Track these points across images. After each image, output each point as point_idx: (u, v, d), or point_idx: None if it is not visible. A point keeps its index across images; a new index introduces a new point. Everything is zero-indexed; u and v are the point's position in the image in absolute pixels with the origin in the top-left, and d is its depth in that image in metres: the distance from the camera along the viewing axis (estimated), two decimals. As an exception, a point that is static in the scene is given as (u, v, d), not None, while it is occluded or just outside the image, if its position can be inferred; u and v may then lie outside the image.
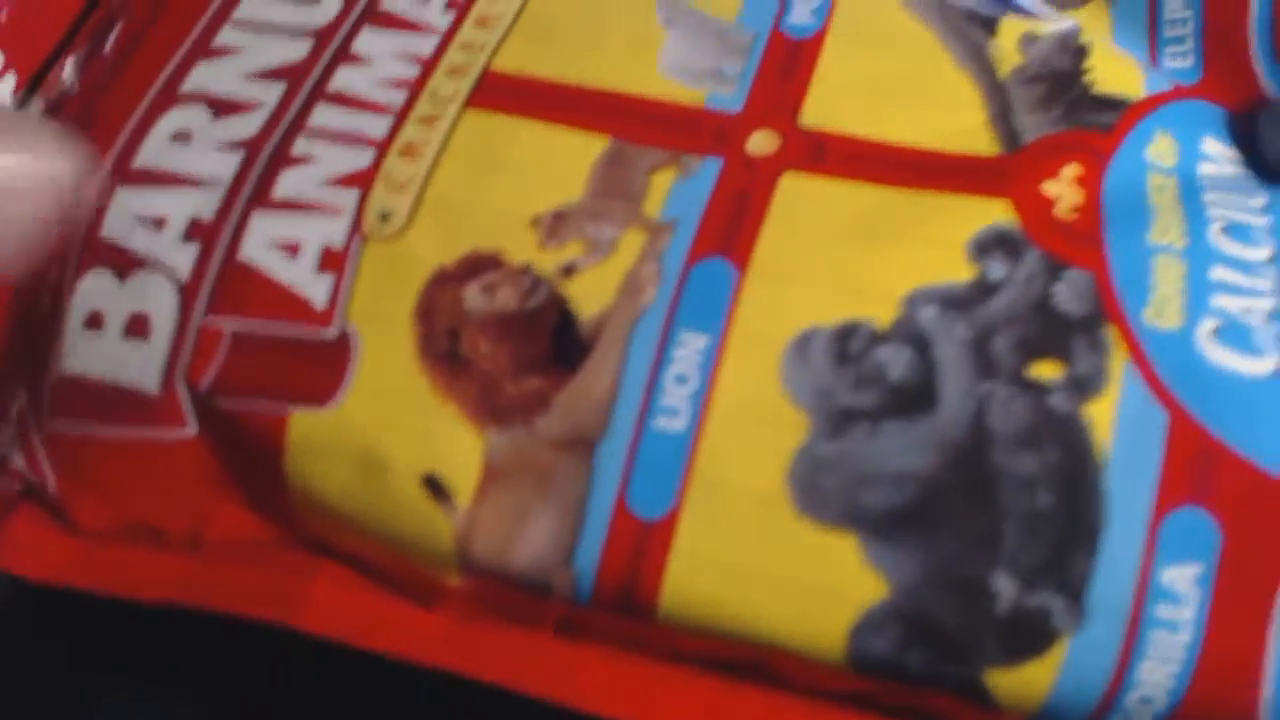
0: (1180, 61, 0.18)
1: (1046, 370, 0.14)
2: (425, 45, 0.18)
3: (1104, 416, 0.14)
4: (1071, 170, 0.15)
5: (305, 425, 0.15)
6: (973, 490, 0.14)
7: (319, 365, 0.15)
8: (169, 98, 0.18)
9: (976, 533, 0.13)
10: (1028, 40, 0.17)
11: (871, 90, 0.17)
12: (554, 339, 0.15)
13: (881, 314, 0.14)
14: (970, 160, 0.16)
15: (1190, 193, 0.16)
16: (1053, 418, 0.14)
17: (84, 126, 0.18)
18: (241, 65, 0.18)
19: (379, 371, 0.15)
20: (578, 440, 0.15)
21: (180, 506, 0.17)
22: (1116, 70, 0.17)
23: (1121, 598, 0.13)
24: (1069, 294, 0.14)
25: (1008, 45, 0.17)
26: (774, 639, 0.14)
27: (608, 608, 0.15)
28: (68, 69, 0.20)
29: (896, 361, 0.14)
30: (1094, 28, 0.19)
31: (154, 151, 0.17)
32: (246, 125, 0.17)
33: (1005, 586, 0.13)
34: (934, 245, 0.15)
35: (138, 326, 0.16)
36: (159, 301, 0.16)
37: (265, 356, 0.16)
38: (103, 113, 0.18)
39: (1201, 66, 0.18)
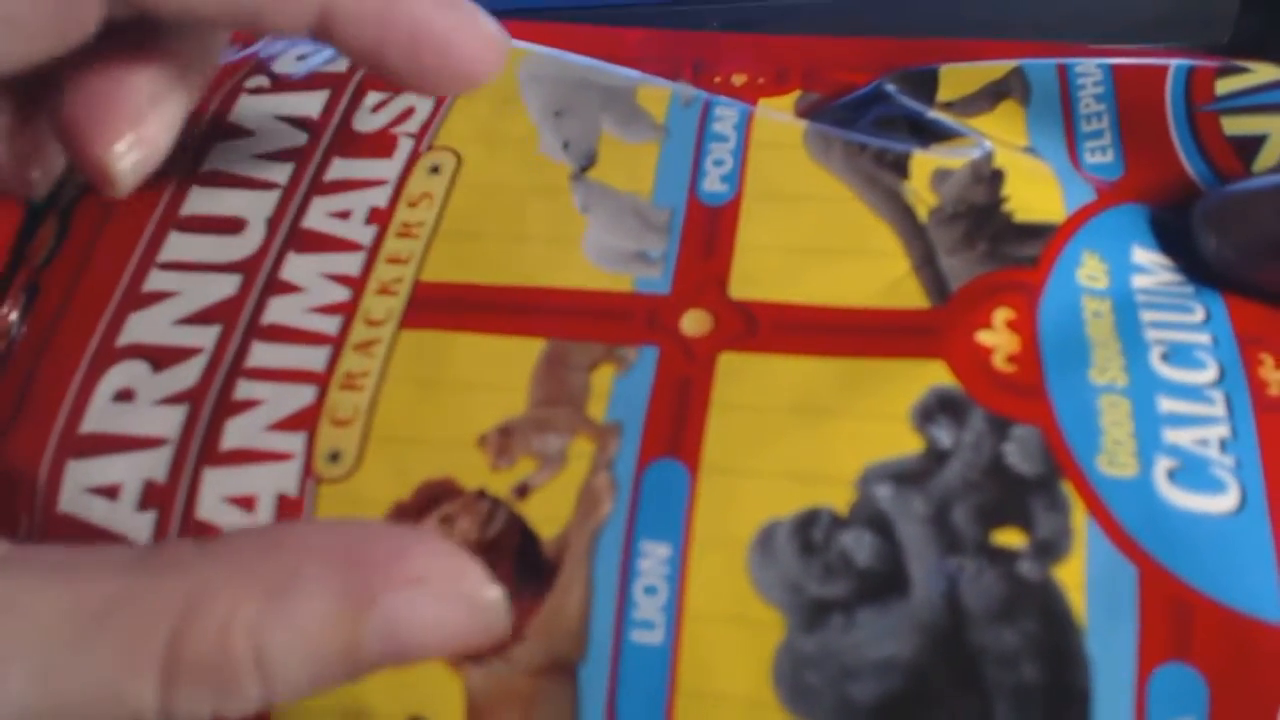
0: (1101, 157, 0.18)
1: (1010, 537, 0.14)
2: (352, 264, 0.18)
3: (1075, 579, 0.13)
4: (1003, 315, 0.15)
5: (285, 683, 0.15)
6: (957, 670, 0.13)
7: (290, 621, 0.15)
8: (107, 354, 0.18)
9: (968, 713, 0.13)
10: (940, 177, 0.17)
11: (794, 251, 0.17)
12: (517, 563, 0.15)
13: (838, 498, 0.14)
14: (901, 317, 0.16)
15: (1127, 315, 0.16)
16: (1024, 587, 0.14)
17: (26, 394, 0.18)
18: (174, 310, 0.18)
19: (350, 620, 0.15)
20: (557, 664, 0.14)
21: None
22: (1035, 194, 0.17)
23: (1122, 760, 0.13)
24: (1019, 454, 0.14)
25: (921, 187, 0.17)
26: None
27: (614, 828, 0.14)
28: (13, 319, 0.20)
29: (860, 547, 0.14)
30: (1008, 131, 0.19)
31: (99, 415, 0.17)
32: (186, 375, 0.17)
33: (1005, 765, 0.13)
34: (878, 418, 0.15)
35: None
36: (123, 571, 0.16)
37: (235, 618, 0.16)
38: (44, 379, 0.18)
39: (1123, 161, 0.18)
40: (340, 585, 0.12)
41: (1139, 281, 0.16)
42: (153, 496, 0.16)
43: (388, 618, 0.12)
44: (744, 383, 0.16)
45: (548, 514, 0.15)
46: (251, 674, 0.12)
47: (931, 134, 0.18)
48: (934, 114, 0.19)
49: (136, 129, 0.16)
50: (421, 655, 0.13)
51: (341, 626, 0.12)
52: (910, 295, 0.16)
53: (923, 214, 0.17)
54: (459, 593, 0.13)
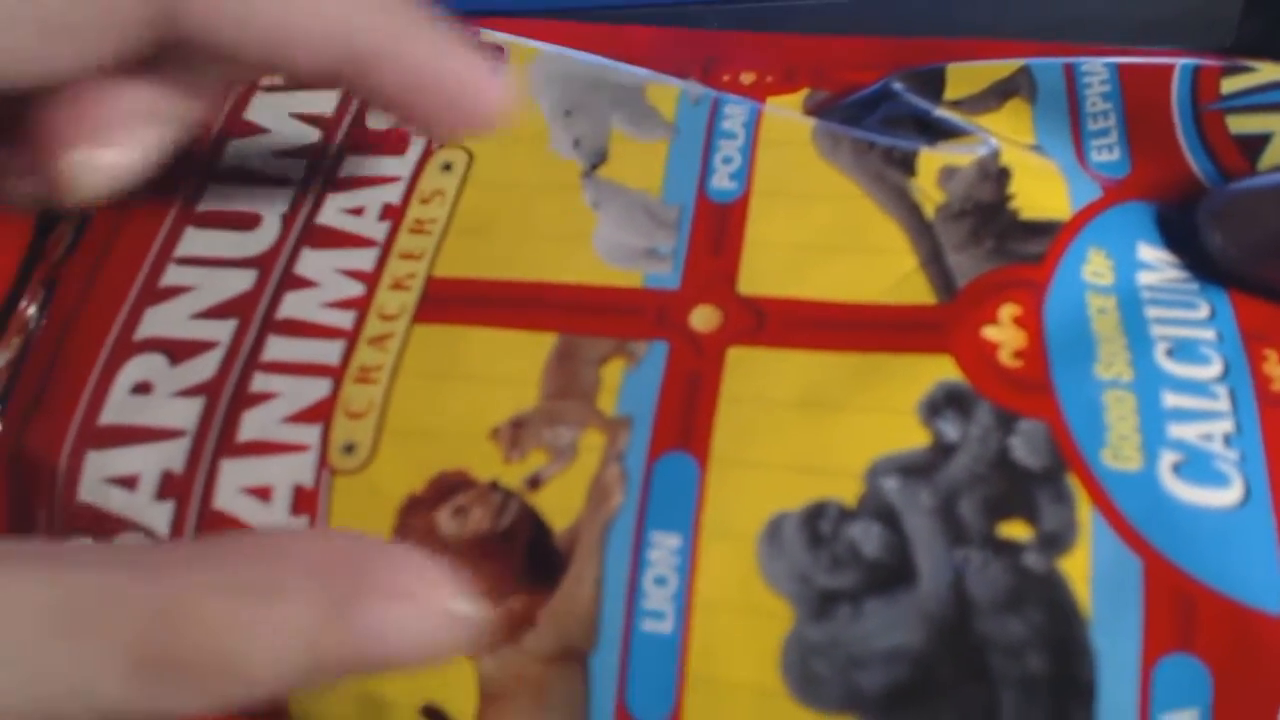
0: (1107, 155, 0.18)
1: (1016, 530, 0.14)
2: (366, 259, 0.18)
3: (1080, 571, 0.14)
4: (1009, 311, 0.16)
5: (301, 670, 0.15)
6: (964, 661, 0.14)
7: (305, 610, 0.16)
8: (125, 347, 0.18)
9: (974, 703, 0.13)
10: (947, 175, 0.17)
11: (802, 248, 0.17)
12: (530, 554, 0.15)
13: (845, 491, 0.15)
14: (908, 313, 0.16)
15: (1132, 311, 0.16)
16: (1030, 579, 0.14)
17: (45, 387, 0.19)
18: (191, 305, 0.19)
19: (365, 608, 0.15)
20: (568, 652, 0.15)
21: None
22: (1041, 191, 0.17)
23: (1126, 750, 0.13)
24: (1025, 447, 0.14)
25: (928, 184, 0.17)
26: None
27: (625, 813, 0.15)
28: (31, 312, 0.20)
29: (868, 539, 0.14)
30: (1015, 129, 0.19)
31: (117, 407, 0.18)
32: (203, 368, 0.18)
33: (1012, 755, 0.13)
34: (885, 411, 0.15)
35: (124, 588, 0.16)
36: (141, 561, 0.16)
37: (251, 607, 0.16)
38: (63, 371, 0.19)
39: (1129, 159, 0.18)
40: (320, 593, 0.12)
41: (1144, 278, 0.16)
42: (171, 487, 0.17)
43: (365, 626, 0.12)
44: (752, 377, 0.16)
45: (559, 505, 0.15)
46: (222, 674, 0.12)
47: (938, 132, 0.18)
48: (941, 112, 0.19)
49: (107, 144, 0.16)
50: (393, 666, 0.13)
51: (316, 633, 0.12)
52: (917, 291, 0.16)
53: (930, 211, 0.17)
54: (438, 606, 0.13)
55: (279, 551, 0.13)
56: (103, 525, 0.17)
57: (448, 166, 0.19)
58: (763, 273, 0.17)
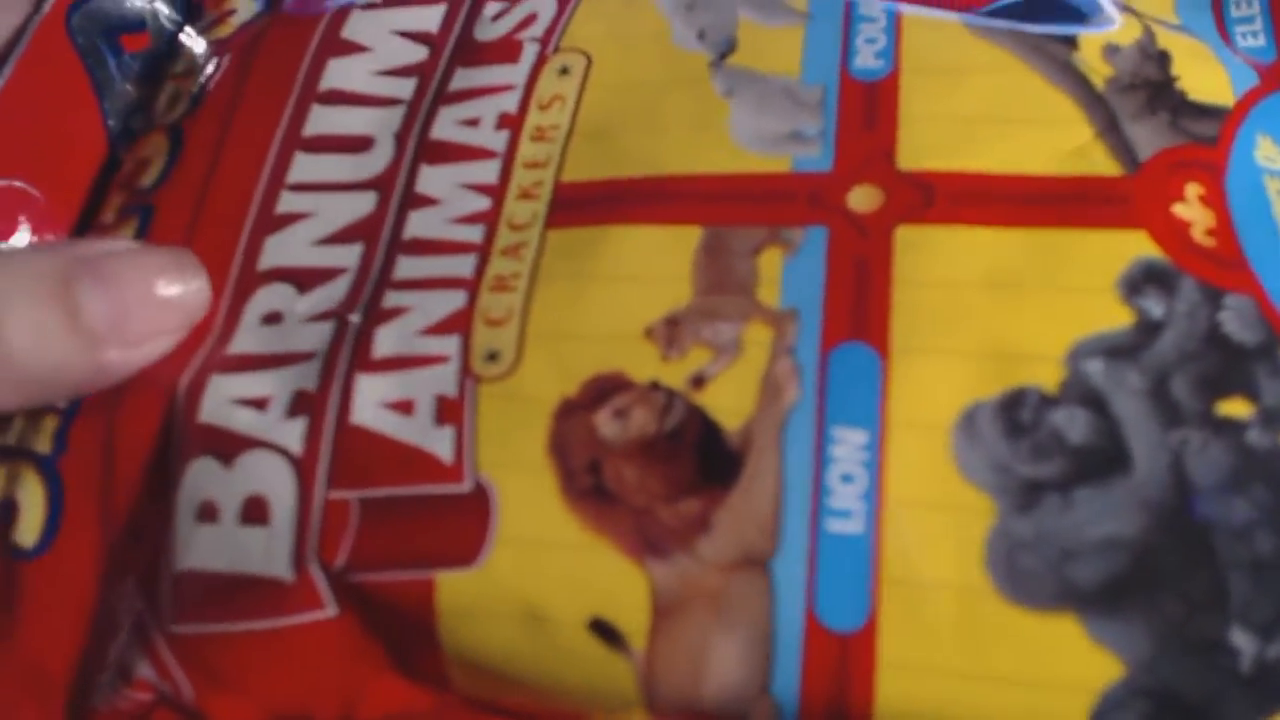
0: (1253, 40, 0.18)
1: (1235, 407, 0.13)
2: (488, 172, 0.17)
3: (1308, 446, 0.13)
4: (1195, 190, 0.15)
5: (454, 589, 0.15)
6: (1188, 547, 0.13)
7: (458, 523, 0.15)
8: (250, 280, 0.17)
9: (1202, 591, 0.13)
10: (1111, 51, 0.16)
11: (965, 120, 0.16)
12: (700, 455, 0.14)
13: (1045, 376, 0.14)
14: (1091, 184, 0.15)
15: None
16: (1254, 457, 0.13)
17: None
18: (311, 231, 0.18)
19: (522, 519, 0.15)
20: (748, 558, 0.14)
21: (328, 689, 0.16)
22: (1204, 75, 0.16)
23: (1368, 632, 0.12)
24: (1237, 322, 0.14)
25: (1093, 58, 0.16)
26: (1010, 741, 0.13)
27: (819, 732, 0.14)
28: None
29: (1074, 425, 0.13)
30: (1157, 8, 0.18)
31: (248, 338, 0.17)
32: (334, 293, 0.17)
33: (1245, 642, 0.13)
34: (1081, 291, 0.14)
35: (255, 511, 0.15)
36: (274, 481, 0.15)
37: (399, 523, 0.15)
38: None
39: (1274, 44, 0.17)
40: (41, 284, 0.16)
41: None
42: (303, 403, 0.16)
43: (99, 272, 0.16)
44: (927, 257, 0.15)
45: (729, 403, 0.14)
46: None
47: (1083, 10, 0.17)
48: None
49: None
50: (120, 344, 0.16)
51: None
52: (1099, 162, 0.15)
53: (1099, 83, 0.16)
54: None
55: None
56: (224, 444, 0.16)
57: (565, 70, 0.18)
58: (924, 146, 0.16)
